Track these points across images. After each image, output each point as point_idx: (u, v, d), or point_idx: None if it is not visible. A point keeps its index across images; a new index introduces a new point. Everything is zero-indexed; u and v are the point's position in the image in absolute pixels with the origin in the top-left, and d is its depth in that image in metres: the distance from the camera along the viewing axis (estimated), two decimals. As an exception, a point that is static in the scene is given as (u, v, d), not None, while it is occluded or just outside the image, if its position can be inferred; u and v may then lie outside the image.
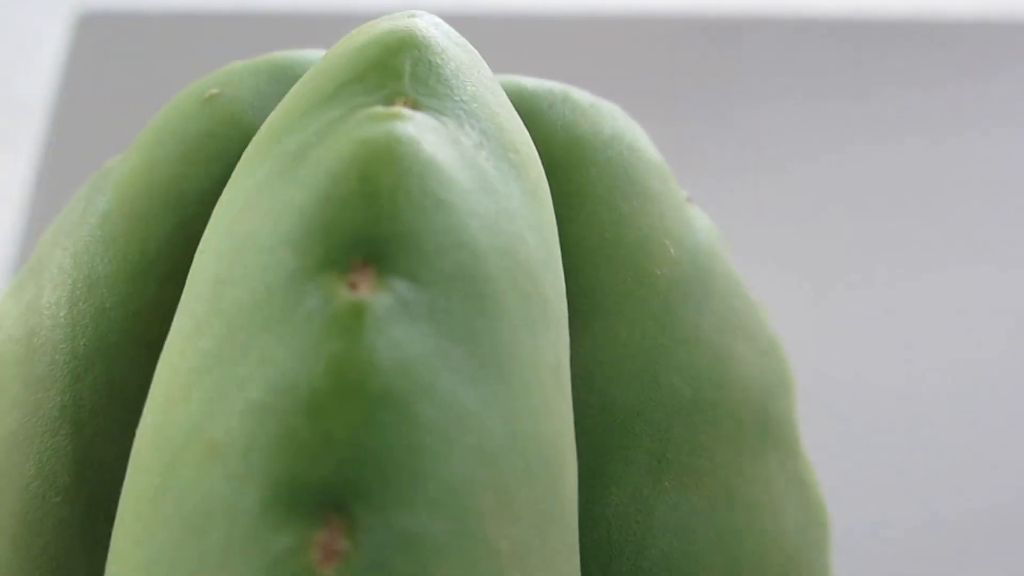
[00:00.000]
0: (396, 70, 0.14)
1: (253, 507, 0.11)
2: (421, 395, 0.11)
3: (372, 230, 0.12)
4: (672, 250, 0.18)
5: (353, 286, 0.12)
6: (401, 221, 0.12)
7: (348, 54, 0.15)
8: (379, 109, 0.13)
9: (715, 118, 0.43)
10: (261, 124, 0.17)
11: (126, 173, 0.17)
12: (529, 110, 0.18)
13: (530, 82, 0.18)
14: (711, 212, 0.38)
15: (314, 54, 0.18)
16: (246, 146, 0.16)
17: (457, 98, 0.14)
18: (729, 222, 0.38)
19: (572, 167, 0.18)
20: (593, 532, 0.16)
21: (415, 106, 0.14)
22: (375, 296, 0.12)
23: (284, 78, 0.17)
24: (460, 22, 0.45)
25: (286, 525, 0.11)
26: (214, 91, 0.17)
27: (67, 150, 0.45)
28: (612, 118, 0.19)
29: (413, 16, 0.15)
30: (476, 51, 0.16)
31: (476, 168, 0.14)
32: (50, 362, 0.15)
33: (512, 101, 0.18)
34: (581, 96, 0.19)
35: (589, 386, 0.17)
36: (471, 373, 0.12)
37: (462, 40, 0.16)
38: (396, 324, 0.12)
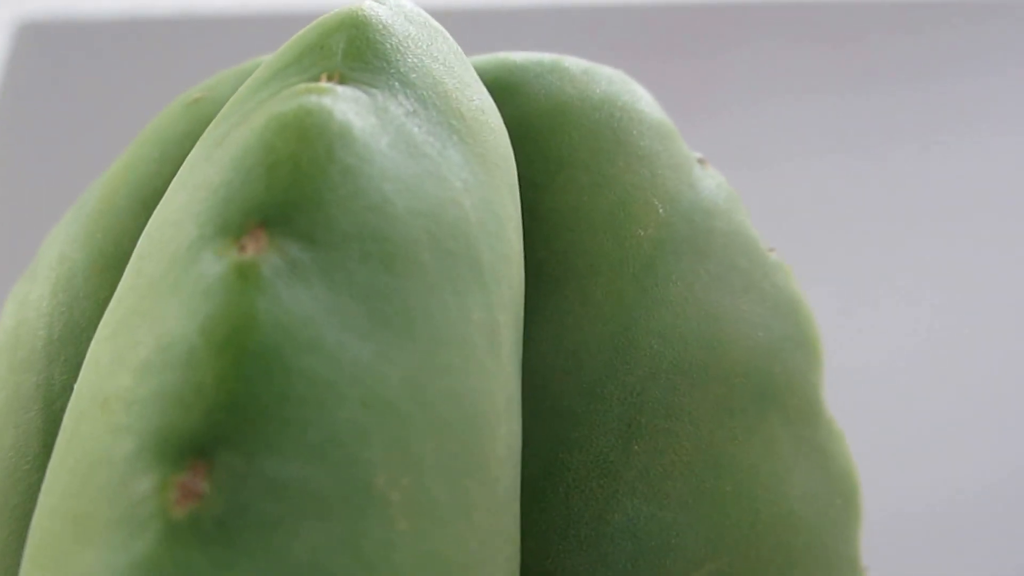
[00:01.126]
0: (329, 48, 0.15)
1: (127, 455, 0.11)
2: (303, 348, 0.12)
3: (268, 197, 0.13)
4: (661, 210, 0.17)
5: (243, 248, 0.12)
6: (300, 186, 0.13)
7: (291, 41, 0.15)
8: (300, 86, 0.14)
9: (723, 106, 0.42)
10: None
11: (109, 173, 0.18)
12: (515, 82, 0.18)
13: (519, 55, 0.19)
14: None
15: None
16: None
17: (393, 70, 0.15)
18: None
19: (554, 133, 0.18)
20: (551, 497, 0.16)
21: (342, 80, 0.14)
22: (262, 257, 0.12)
23: None
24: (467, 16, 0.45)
25: (152, 470, 0.11)
26: (197, 95, 0.18)
27: (7, 160, 0.44)
28: (607, 82, 0.19)
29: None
30: (439, 28, 0.16)
31: (402, 135, 0.14)
32: (30, 348, 0.17)
33: (500, 76, 0.18)
34: (574, 63, 0.19)
35: (557, 350, 0.17)
36: (369, 329, 0.12)
37: (421, 18, 0.16)
38: (283, 283, 0.12)
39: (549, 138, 0.18)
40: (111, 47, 0.44)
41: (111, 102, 0.44)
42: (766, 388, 0.17)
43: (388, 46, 0.15)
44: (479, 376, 0.13)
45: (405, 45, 0.15)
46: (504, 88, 0.18)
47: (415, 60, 0.15)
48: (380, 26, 0.15)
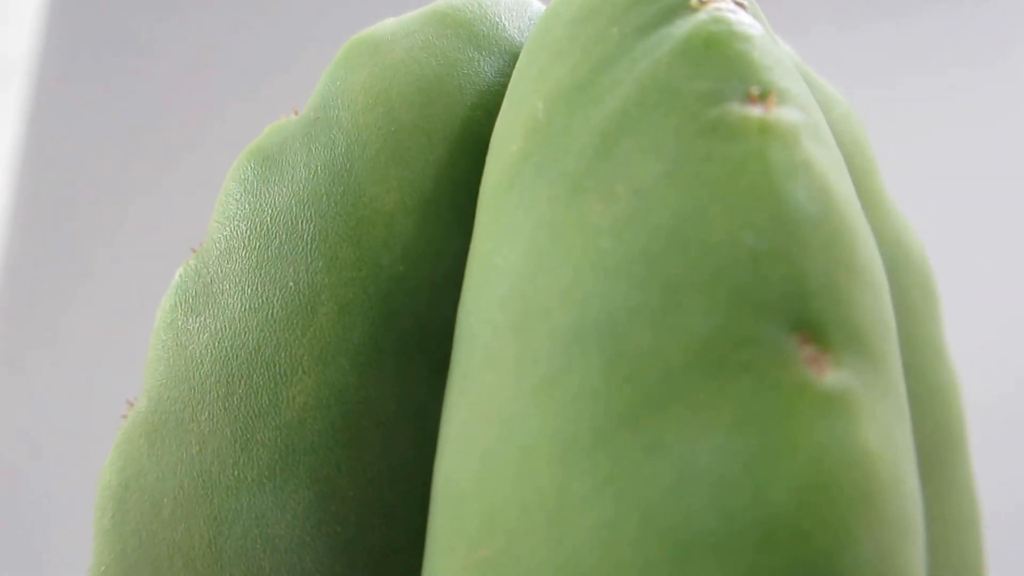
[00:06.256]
0: None
1: None
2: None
3: None
4: (542, 113, 0.14)
5: None
6: None
7: None
8: None
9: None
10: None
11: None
12: None
13: None
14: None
15: None
16: None
17: None
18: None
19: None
20: None
21: None
22: None
23: None
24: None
25: None
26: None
27: (55, 103, 0.44)
28: None
29: None
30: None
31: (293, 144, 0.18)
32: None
33: None
34: None
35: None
36: (200, 305, 0.17)
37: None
38: None
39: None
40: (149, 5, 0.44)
41: (153, 44, 0.44)
42: (590, 332, 0.13)
43: None
44: (273, 335, 0.16)
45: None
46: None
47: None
48: None
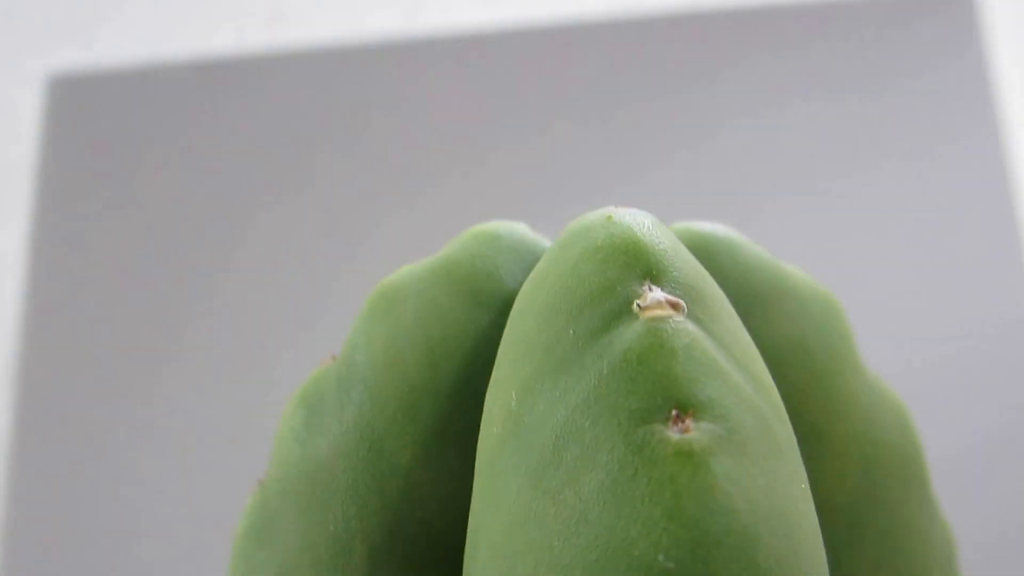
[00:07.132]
0: None
1: None
2: None
3: None
4: (514, 403, 0.17)
5: None
6: None
7: None
8: None
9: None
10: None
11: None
12: None
13: None
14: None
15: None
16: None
17: None
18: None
19: None
20: None
21: None
22: None
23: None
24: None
25: None
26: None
27: (56, 211, 0.45)
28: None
29: None
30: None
31: None
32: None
33: None
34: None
35: None
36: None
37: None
38: None
39: None
40: (142, 93, 0.46)
41: (147, 146, 0.46)
42: None
43: None
44: (319, 574, 0.19)
45: None
46: None
47: None
48: None
